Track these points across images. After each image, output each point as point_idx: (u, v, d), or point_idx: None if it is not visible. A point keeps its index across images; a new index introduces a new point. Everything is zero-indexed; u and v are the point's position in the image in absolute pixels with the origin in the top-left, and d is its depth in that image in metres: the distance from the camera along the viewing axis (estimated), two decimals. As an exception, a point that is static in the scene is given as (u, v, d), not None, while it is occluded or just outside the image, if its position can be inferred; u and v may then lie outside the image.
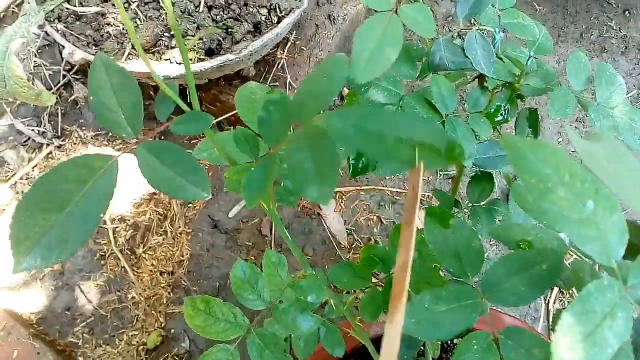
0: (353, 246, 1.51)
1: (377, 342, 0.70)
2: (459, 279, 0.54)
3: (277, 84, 1.57)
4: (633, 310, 0.37)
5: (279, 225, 0.53)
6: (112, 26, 1.38)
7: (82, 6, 1.40)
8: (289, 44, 1.61)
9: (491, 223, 0.78)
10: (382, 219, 1.56)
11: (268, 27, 1.38)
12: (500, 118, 0.74)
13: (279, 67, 1.59)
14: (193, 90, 0.40)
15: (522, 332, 0.46)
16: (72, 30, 1.36)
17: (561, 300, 1.48)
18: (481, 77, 0.76)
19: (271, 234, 1.51)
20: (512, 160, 0.36)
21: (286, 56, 1.59)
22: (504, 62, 0.75)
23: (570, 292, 1.44)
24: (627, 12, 2.00)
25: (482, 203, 0.80)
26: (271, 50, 1.55)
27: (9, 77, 1.29)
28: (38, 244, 0.35)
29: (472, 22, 0.72)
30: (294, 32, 1.62)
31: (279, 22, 1.38)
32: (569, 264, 0.57)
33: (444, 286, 0.51)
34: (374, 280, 0.69)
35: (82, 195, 0.36)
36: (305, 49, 1.62)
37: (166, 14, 1.38)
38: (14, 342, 1.21)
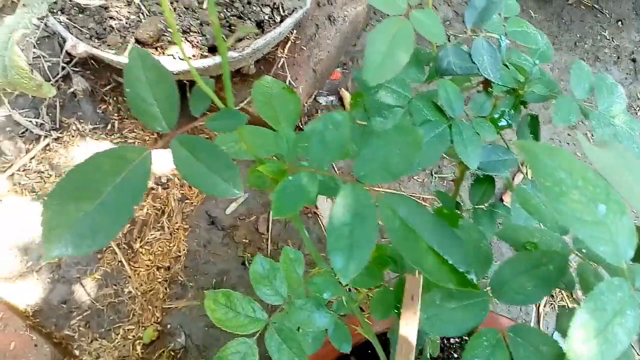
0: (348, 245, 1.52)
1: (380, 338, 0.72)
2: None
3: (277, 82, 1.57)
4: None
5: (300, 226, 0.54)
6: (114, 19, 1.39)
7: (85, -1, 1.40)
8: (289, 43, 1.62)
9: (492, 224, 0.79)
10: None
11: (271, 26, 1.40)
12: (504, 123, 0.76)
13: (279, 65, 1.60)
14: (228, 86, 0.41)
15: (530, 330, 0.48)
16: (74, 23, 1.36)
17: (551, 304, 1.50)
18: (485, 83, 0.78)
19: (267, 231, 1.53)
20: (530, 164, 0.38)
21: (286, 55, 1.61)
22: (508, 68, 0.77)
23: (567, 294, 1.46)
24: (619, 22, 2.03)
25: (484, 205, 0.82)
26: (272, 48, 1.56)
27: (11, 67, 1.29)
28: (69, 232, 0.35)
29: (477, 29, 0.73)
30: (295, 31, 1.64)
31: (281, 21, 1.39)
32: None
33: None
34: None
35: (115, 186, 0.37)
36: (305, 48, 1.63)
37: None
38: (11, 333, 1.21)
